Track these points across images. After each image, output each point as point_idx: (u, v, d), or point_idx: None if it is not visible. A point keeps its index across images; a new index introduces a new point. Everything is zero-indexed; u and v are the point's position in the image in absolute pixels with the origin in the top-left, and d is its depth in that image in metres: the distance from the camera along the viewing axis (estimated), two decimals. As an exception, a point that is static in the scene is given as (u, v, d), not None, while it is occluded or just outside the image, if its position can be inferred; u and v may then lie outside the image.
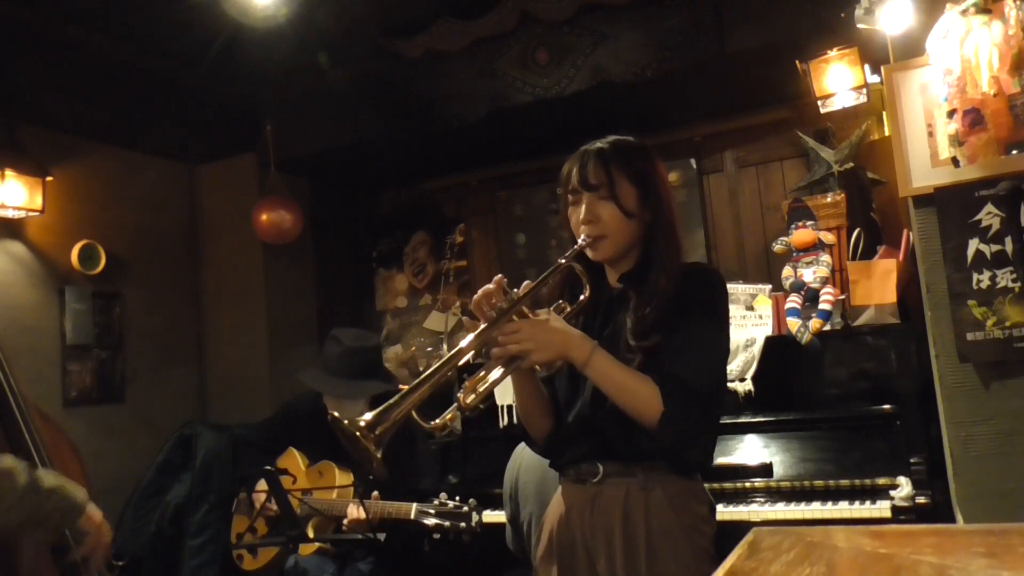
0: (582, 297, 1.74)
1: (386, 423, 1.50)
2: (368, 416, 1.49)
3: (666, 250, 1.74)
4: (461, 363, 1.61)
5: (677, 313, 1.68)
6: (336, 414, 1.53)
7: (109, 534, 1.98)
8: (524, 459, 2.62)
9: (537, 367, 1.71)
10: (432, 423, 1.57)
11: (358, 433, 1.48)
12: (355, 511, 2.80)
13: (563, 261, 1.73)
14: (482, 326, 1.62)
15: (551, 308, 1.73)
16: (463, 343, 1.60)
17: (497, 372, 1.64)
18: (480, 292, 1.65)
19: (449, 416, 1.60)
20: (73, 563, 1.93)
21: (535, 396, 1.79)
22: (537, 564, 1.86)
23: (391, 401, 1.52)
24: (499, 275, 1.68)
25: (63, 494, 1.83)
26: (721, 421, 3.02)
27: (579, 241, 1.73)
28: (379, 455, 1.48)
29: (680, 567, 1.66)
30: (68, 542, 1.92)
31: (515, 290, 1.67)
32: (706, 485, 1.84)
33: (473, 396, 1.61)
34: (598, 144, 1.78)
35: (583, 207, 1.74)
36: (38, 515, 1.78)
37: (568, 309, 1.74)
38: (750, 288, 3.37)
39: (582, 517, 1.74)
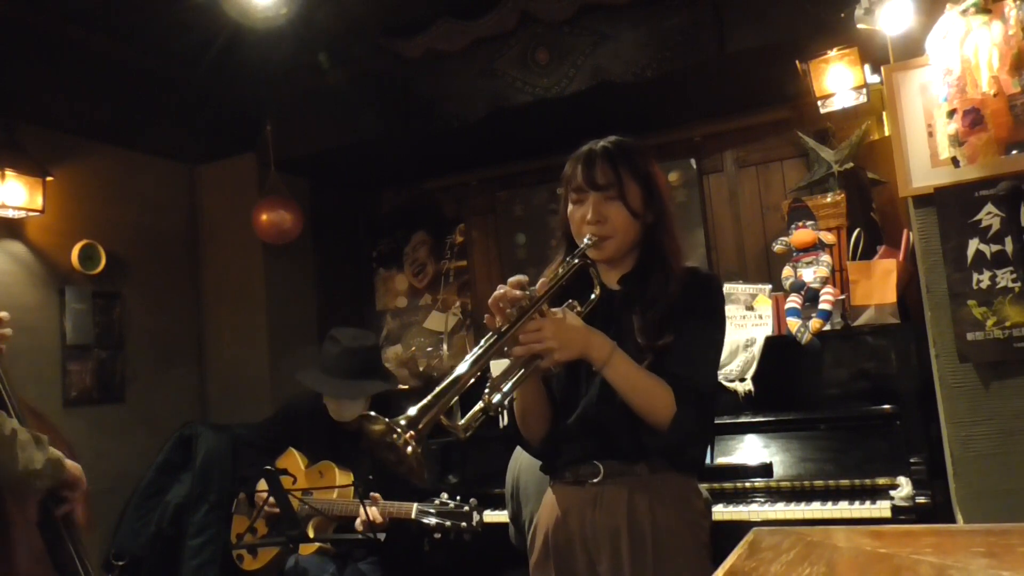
0: (593, 296, 1.73)
1: (426, 419, 1.43)
2: (412, 411, 1.43)
3: (672, 251, 1.75)
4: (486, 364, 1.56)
5: (681, 315, 1.69)
6: (372, 412, 1.46)
7: (85, 484, 2.04)
8: (525, 458, 2.62)
9: (553, 367, 1.67)
10: (458, 423, 1.53)
11: (397, 431, 1.40)
12: (369, 512, 2.79)
13: (576, 261, 1.71)
14: (504, 324, 1.58)
15: (563, 307, 1.71)
16: (485, 343, 1.56)
17: (519, 371, 1.62)
18: (500, 288, 1.61)
19: (473, 417, 1.55)
20: (56, 521, 1.98)
21: (538, 396, 1.77)
22: (532, 569, 1.85)
23: (426, 401, 1.46)
24: (518, 276, 1.64)
25: (49, 449, 1.90)
26: (721, 421, 3.07)
27: (584, 240, 1.73)
28: (420, 450, 1.41)
29: (685, 562, 1.68)
30: (49, 502, 1.97)
31: (532, 288, 1.64)
32: (706, 485, 1.85)
33: (499, 395, 1.58)
34: (602, 143, 1.78)
35: (589, 207, 1.73)
36: (41, 466, 1.85)
37: (579, 308, 1.72)
38: (750, 288, 3.37)
39: (582, 518, 1.74)
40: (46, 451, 1.88)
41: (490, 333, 1.58)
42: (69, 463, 1.97)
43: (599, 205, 1.73)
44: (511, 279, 1.64)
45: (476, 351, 1.55)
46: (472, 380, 1.52)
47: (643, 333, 1.68)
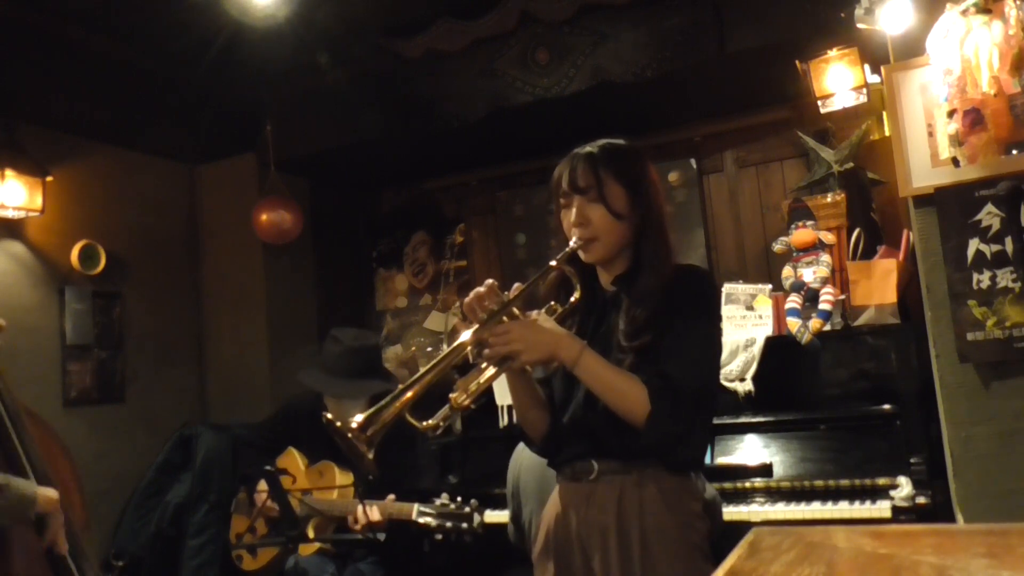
0: (572, 299, 1.77)
1: (376, 424, 1.53)
2: (359, 418, 1.53)
3: (656, 251, 1.76)
4: (454, 364, 1.64)
5: (668, 313, 1.70)
6: (330, 416, 1.56)
7: (61, 517, 2.00)
8: (526, 457, 2.62)
9: (528, 368, 1.73)
10: (425, 423, 1.59)
11: (350, 434, 1.51)
12: (367, 513, 2.79)
13: (554, 263, 1.76)
14: (473, 327, 1.65)
15: (543, 310, 1.75)
16: (454, 344, 1.64)
17: (489, 372, 1.67)
18: (472, 294, 1.68)
19: (442, 417, 1.62)
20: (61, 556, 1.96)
21: (529, 396, 1.81)
22: (534, 562, 1.88)
23: (382, 403, 1.55)
24: (490, 279, 1.72)
25: (10, 491, 1.85)
26: (721, 421, 3.06)
27: (571, 243, 1.76)
28: (371, 455, 1.52)
29: (674, 563, 1.68)
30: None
31: (506, 292, 1.70)
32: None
33: (465, 396, 1.64)
34: (587, 148, 1.81)
35: (574, 210, 1.76)
36: None
37: (559, 310, 1.77)
38: (750, 288, 3.37)
39: (578, 515, 1.76)
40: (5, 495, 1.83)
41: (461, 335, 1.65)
42: (43, 494, 1.91)
43: (582, 208, 1.76)
44: (486, 282, 1.70)
45: (441, 354, 1.63)
46: (431, 382, 1.60)
47: (624, 333, 1.71)
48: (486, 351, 1.64)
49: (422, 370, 1.60)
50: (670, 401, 1.63)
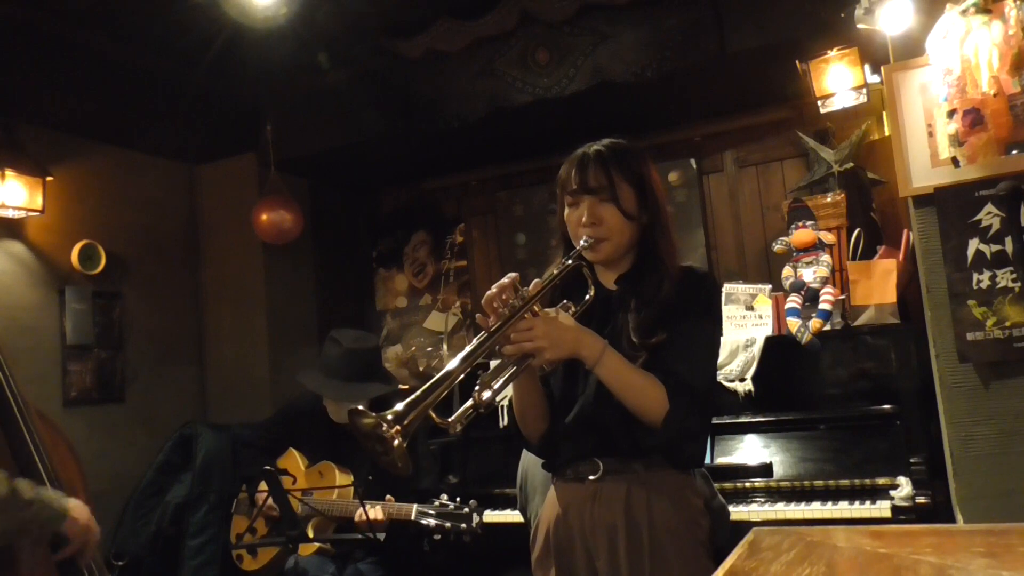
0: (587, 296, 1.76)
1: (415, 411, 1.48)
2: (399, 407, 1.48)
3: (665, 251, 1.76)
4: (476, 361, 1.59)
5: (676, 314, 1.70)
6: (361, 407, 1.51)
7: (97, 531, 1.98)
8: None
9: (546, 366, 1.70)
10: (449, 420, 1.57)
11: (385, 425, 1.45)
12: (371, 512, 2.79)
13: (571, 262, 1.74)
14: (496, 323, 1.61)
15: (558, 307, 1.73)
16: (476, 341, 1.60)
17: (510, 370, 1.65)
18: (494, 288, 1.65)
19: (463, 413, 1.59)
20: (70, 559, 1.94)
21: (534, 394, 1.80)
22: (533, 565, 1.86)
23: (414, 396, 1.50)
24: (513, 273, 1.69)
25: (41, 504, 1.83)
26: (721, 421, 3.07)
27: (581, 242, 1.75)
28: (405, 445, 1.46)
29: (681, 561, 1.68)
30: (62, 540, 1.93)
31: (525, 288, 1.67)
32: (708, 485, 1.86)
33: (489, 392, 1.61)
34: (596, 147, 1.80)
35: (584, 209, 1.75)
36: (19, 525, 1.78)
37: (573, 308, 1.75)
38: (750, 288, 3.37)
39: (581, 515, 1.75)
40: (26, 508, 1.78)
41: (482, 332, 1.61)
42: (74, 508, 1.89)
43: (593, 207, 1.74)
44: (508, 275, 1.67)
45: (467, 348, 1.58)
46: (462, 377, 1.55)
47: (637, 332, 1.70)
48: (508, 347, 1.61)
49: (447, 367, 1.55)
50: (686, 400, 1.64)
